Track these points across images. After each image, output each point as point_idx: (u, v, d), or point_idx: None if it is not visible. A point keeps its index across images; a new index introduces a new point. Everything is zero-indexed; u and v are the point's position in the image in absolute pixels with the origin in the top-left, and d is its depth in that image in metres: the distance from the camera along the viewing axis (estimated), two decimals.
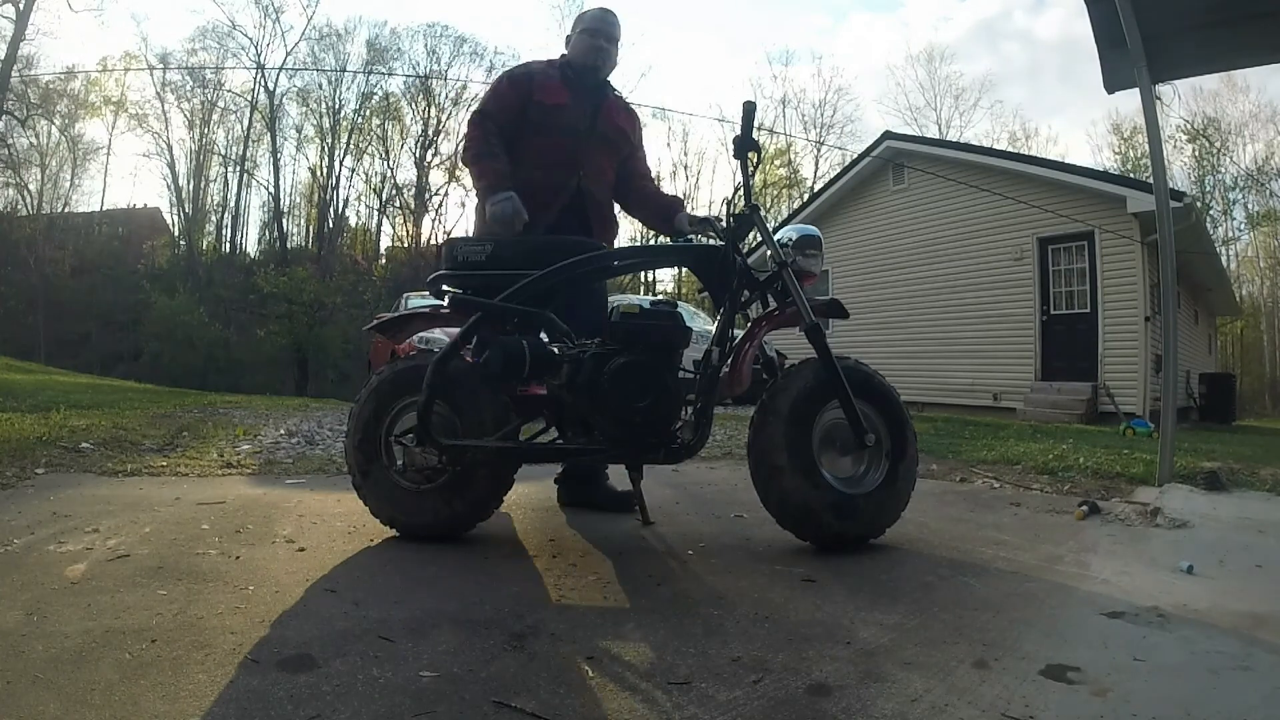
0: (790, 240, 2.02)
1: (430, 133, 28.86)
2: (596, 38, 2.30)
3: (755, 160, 1.97)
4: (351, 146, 29.65)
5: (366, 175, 30.50)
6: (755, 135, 1.95)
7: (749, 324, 2.03)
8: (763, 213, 2.02)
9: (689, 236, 2.28)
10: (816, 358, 1.89)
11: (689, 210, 2.41)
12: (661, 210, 2.43)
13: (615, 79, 2.42)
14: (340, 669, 1.12)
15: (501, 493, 1.90)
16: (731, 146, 1.94)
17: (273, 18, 31.44)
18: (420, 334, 5.49)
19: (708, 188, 29.05)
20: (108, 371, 20.33)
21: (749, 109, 1.94)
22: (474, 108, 2.32)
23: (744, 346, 1.98)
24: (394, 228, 30.82)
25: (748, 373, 1.96)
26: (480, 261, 1.93)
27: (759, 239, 2.04)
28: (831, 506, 1.82)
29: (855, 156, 12.30)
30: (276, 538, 1.85)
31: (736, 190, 2.01)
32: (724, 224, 2.05)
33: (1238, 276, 25.37)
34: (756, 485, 1.89)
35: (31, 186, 26.71)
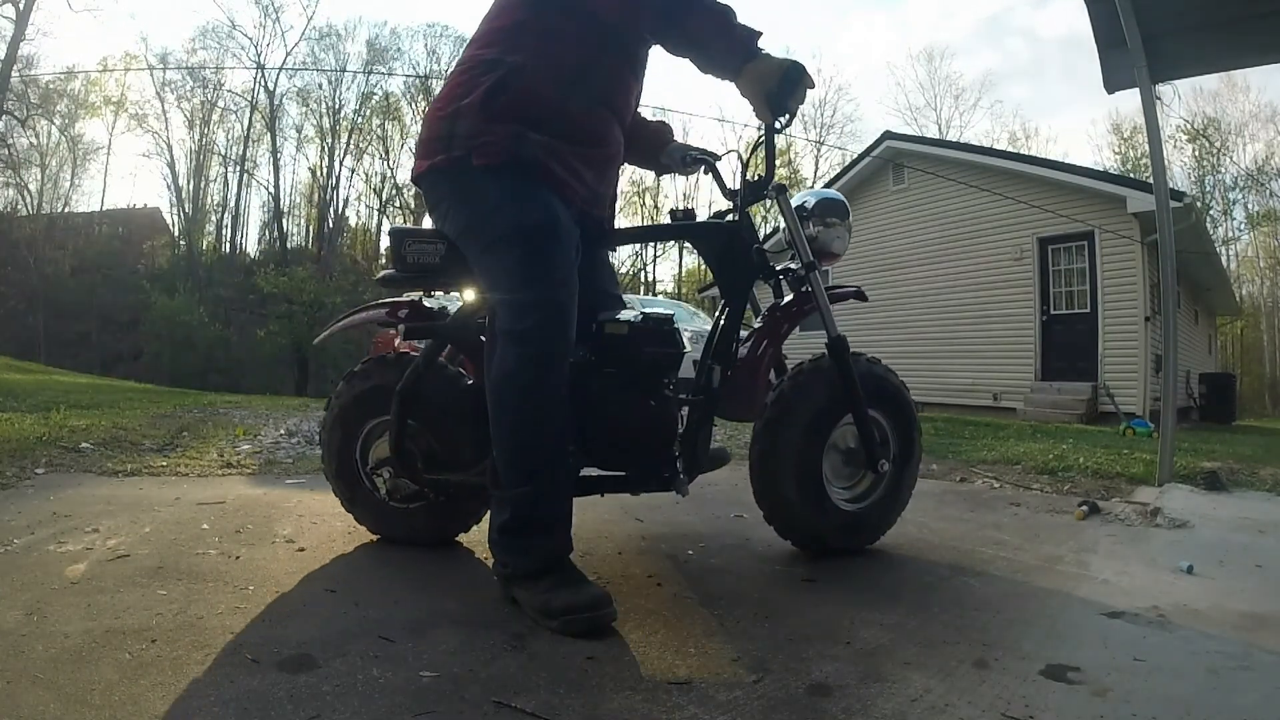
0: (809, 208, 1.78)
1: None
2: None
3: (785, 123, 1.55)
4: (351, 146, 29.75)
5: (366, 175, 30.60)
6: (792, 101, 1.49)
7: (759, 323, 1.79)
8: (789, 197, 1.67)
9: (686, 203, 1.93)
10: (829, 366, 1.71)
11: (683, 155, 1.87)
12: (647, 141, 1.87)
13: None
14: (340, 669, 1.11)
15: None
16: (766, 105, 1.48)
17: (273, 18, 31.64)
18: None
19: (708, 188, 29.09)
20: (108, 371, 20.34)
21: (794, 72, 1.44)
22: None
23: (759, 360, 1.72)
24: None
25: (764, 394, 1.71)
26: (434, 264, 1.60)
27: (777, 224, 1.77)
28: (838, 529, 1.77)
29: (855, 156, 12.33)
30: (276, 538, 1.85)
31: (754, 149, 1.71)
32: (736, 191, 1.74)
33: (1238, 276, 25.41)
34: (761, 505, 1.78)
35: (31, 186, 26.79)
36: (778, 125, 1.56)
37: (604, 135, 1.57)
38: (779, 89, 1.45)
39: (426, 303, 1.77)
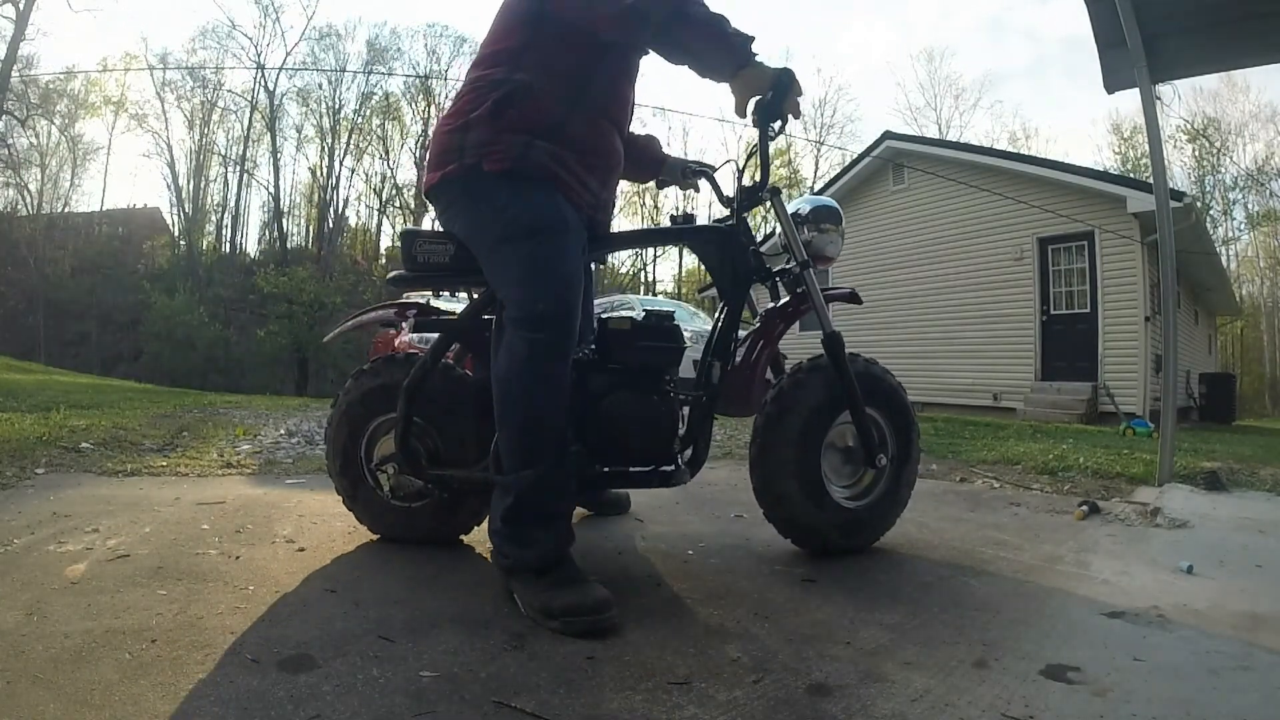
0: (804, 214, 1.82)
1: (430, 132, 28.88)
2: None
3: (777, 130, 1.60)
4: (351, 146, 29.77)
5: (366, 175, 30.63)
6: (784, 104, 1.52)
7: (755, 324, 1.84)
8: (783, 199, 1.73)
9: (686, 217, 1.91)
10: (827, 366, 1.74)
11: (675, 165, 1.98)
12: (643, 154, 1.96)
13: None
14: (340, 669, 1.12)
15: None
16: (752, 116, 1.53)
17: (273, 18, 31.74)
18: (418, 334, 5.47)
19: (707, 189, 29.03)
20: (108, 371, 20.38)
21: (785, 79, 1.48)
22: None
23: (756, 359, 1.78)
24: (394, 228, 30.88)
25: (761, 392, 1.76)
26: (444, 263, 1.66)
27: (774, 227, 1.84)
28: (838, 527, 1.78)
29: (855, 156, 12.33)
30: (276, 538, 1.85)
31: (750, 156, 1.76)
32: (733, 198, 1.79)
33: (1238, 276, 25.44)
34: (760, 503, 1.80)
35: (31, 186, 26.81)
36: (771, 132, 1.60)
37: (606, 146, 1.64)
38: (771, 96, 1.49)
39: (434, 303, 1.80)
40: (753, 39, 1.46)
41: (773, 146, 1.67)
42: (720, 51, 1.46)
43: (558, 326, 1.44)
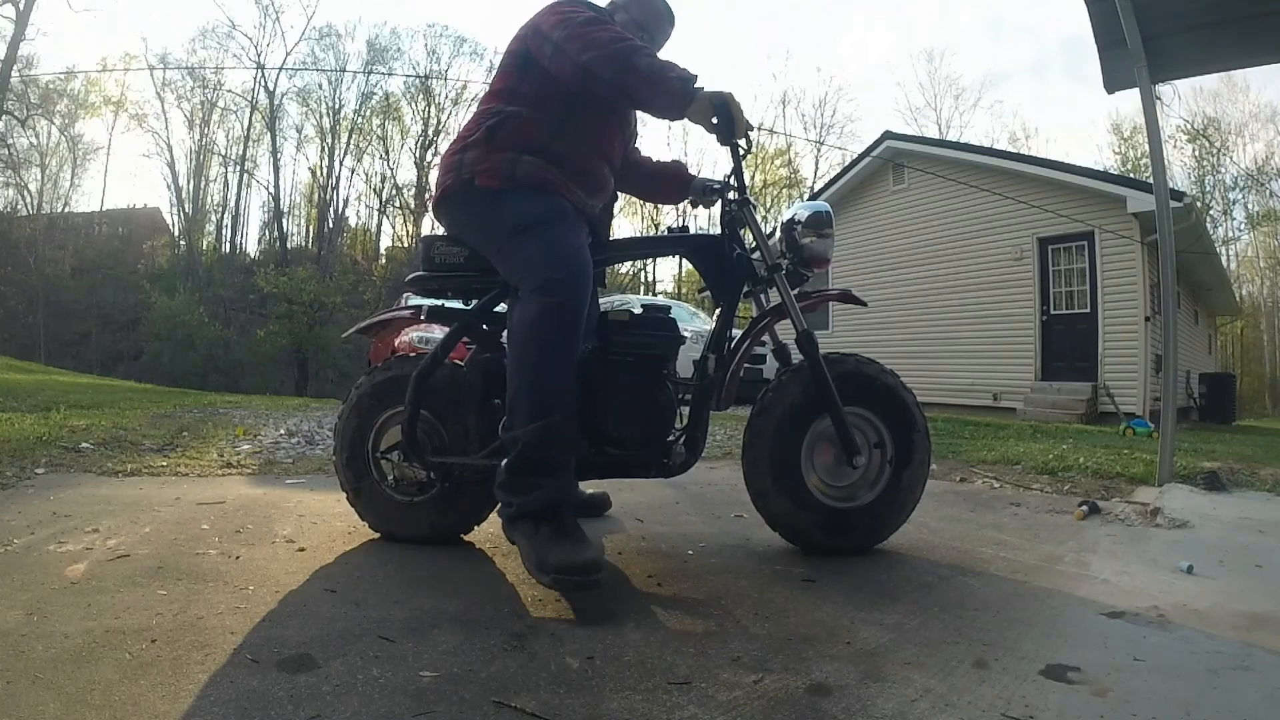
0: (800, 219, 1.88)
1: (430, 133, 28.94)
2: (661, 16, 1.96)
3: (746, 146, 1.76)
4: (351, 146, 29.75)
5: (366, 175, 30.62)
6: (743, 120, 1.66)
7: (748, 324, 1.92)
8: (754, 209, 1.86)
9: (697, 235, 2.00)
10: (808, 367, 1.77)
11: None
12: (675, 180, 2.17)
13: None
14: (340, 669, 1.12)
15: (494, 500, 1.87)
16: (715, 134, 1.66)
17: (273, 18, 31.78)
18: (419, 334, 5.48)
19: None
20: (108, 371, 20.40)
21: (718, 100, 1.60)
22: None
23: (737, 359, 1.84)
24: (394, 228, 30.88)
25: (734, 390, 1.84)
26: (459, 264, 1.78)
27: (770, 229, 1.91)
28: (820, 526, 1.79)
29: (855, 156, 12.31)
30: (276, 538, 1.85)
31: (727, 177, 1.91)
32: (724, 210, 1.91)
33: (1238, 276, 25.43)
34: (750, 496, 1.84)
35: (31, 186, 26.82)
36: (740, 150, 1.75)
37: (590, 168, 1.79)
38: (717, 123, 1.62)
39: (447, 305, 1.89)
40: (695, 78, 1.59)
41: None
42: (664, 97, 1.59)
43: (568, 292, 1.56)
